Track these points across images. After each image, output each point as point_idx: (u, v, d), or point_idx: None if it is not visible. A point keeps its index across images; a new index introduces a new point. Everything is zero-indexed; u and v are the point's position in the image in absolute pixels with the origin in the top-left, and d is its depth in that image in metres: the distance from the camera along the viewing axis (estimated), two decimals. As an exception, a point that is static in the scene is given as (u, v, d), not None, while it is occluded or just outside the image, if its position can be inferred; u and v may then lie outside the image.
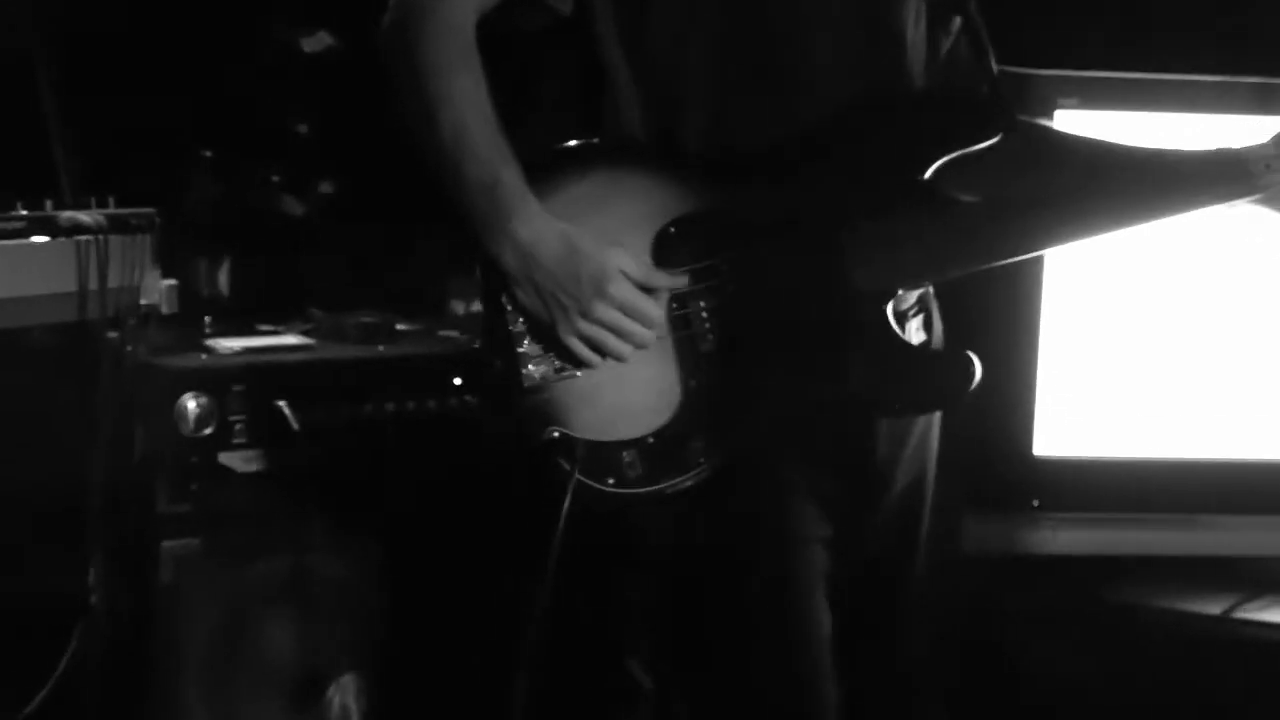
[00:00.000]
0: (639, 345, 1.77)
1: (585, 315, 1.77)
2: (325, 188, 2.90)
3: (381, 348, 2.52)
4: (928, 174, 1.86)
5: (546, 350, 1.79)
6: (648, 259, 1.80)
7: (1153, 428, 2.61)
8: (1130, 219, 1.92)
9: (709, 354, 1.80)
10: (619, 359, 1.78)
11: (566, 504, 1.75)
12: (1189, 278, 2.56)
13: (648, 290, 1.79)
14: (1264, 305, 2.57)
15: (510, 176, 1.78)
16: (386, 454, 2.41)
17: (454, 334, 2.63)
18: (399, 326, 2.60)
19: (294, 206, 2.86)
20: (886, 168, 1.86)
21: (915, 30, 1.98)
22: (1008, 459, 2.56)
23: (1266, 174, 1.87)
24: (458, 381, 2.45)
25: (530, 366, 1.79)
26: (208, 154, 2.77)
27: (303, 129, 2.89)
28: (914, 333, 1.93)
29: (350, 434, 2.39)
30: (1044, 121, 2.37)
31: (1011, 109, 1.97)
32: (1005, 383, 2.51)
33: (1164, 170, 1.96)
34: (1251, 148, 1.88)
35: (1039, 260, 2.48)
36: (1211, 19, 2.65)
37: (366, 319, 2.57)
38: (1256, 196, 1.89)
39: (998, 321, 2.50)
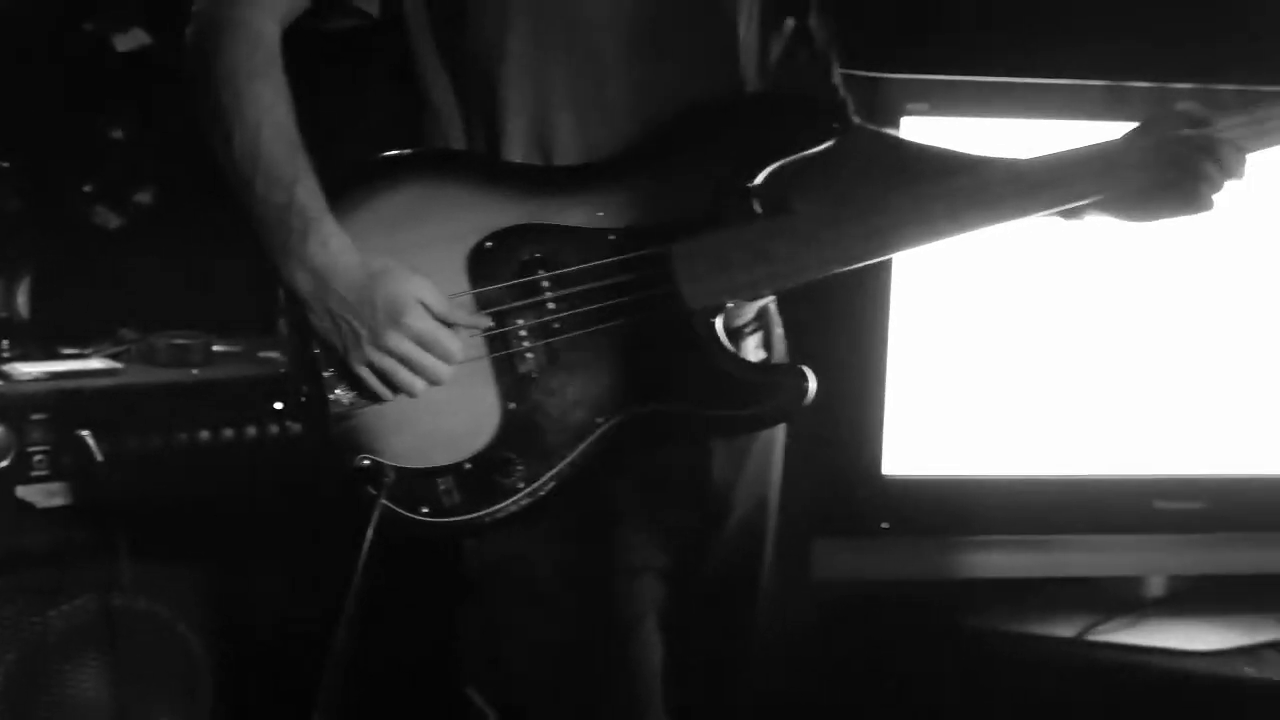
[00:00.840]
0: (432, 381, 1.75)
1: (377, 345, 1.74)
2: (143, 198, 2.80)
3: (196, 371, 2.44)
4: (757, 181, 1.85)
5: (344, 377, 1.77)
6: (462, 273, 1.78)
7: (1004, 446, 2.63)
8: (972, 224, 1.90)
9: (528, 375, 1.77)
10: (410, 393, 1.75)
11: (369, 535, 1.72)
12: (1036, 294, 2.59)
13: (448, 324, 1.76)
14: (1108, 323, 2.60)
15: (305, 195, 1.75)
16: (200, 484, 2.35)
17: (276, 355, 2.51)
18: (216, 348, 2.52)
19: (108, 219, 2.76)
20: (712, 176, 1.85)
21: (747, 32, 1.98)
22: (856, 480, 2.56)
23: (1122, 169, 1.89)
24: (277, 406, 2.38)
25: (337, 392, 1.76)
26: (5, 164, 2.66)
27: (118, 134, 2.79)
28: (751, 350, 1.94)
29: (160, 464, 2.32)
30: (890, 129, 2.36)
31: (845, 112, 1.97)
32: (853, 401, 2.52)
33: (1010, 173, 1.95)
34: (1107, 144, 1.91)
35: (886, 277, 2.52)
36: (1059, 22, 2.67)
37: (180, 340, 2.48)
38: (1117, 193, 1.90)
39: (845, 340, 2.52)
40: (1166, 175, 1.89)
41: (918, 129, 2.46)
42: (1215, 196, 1.91)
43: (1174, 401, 2.63)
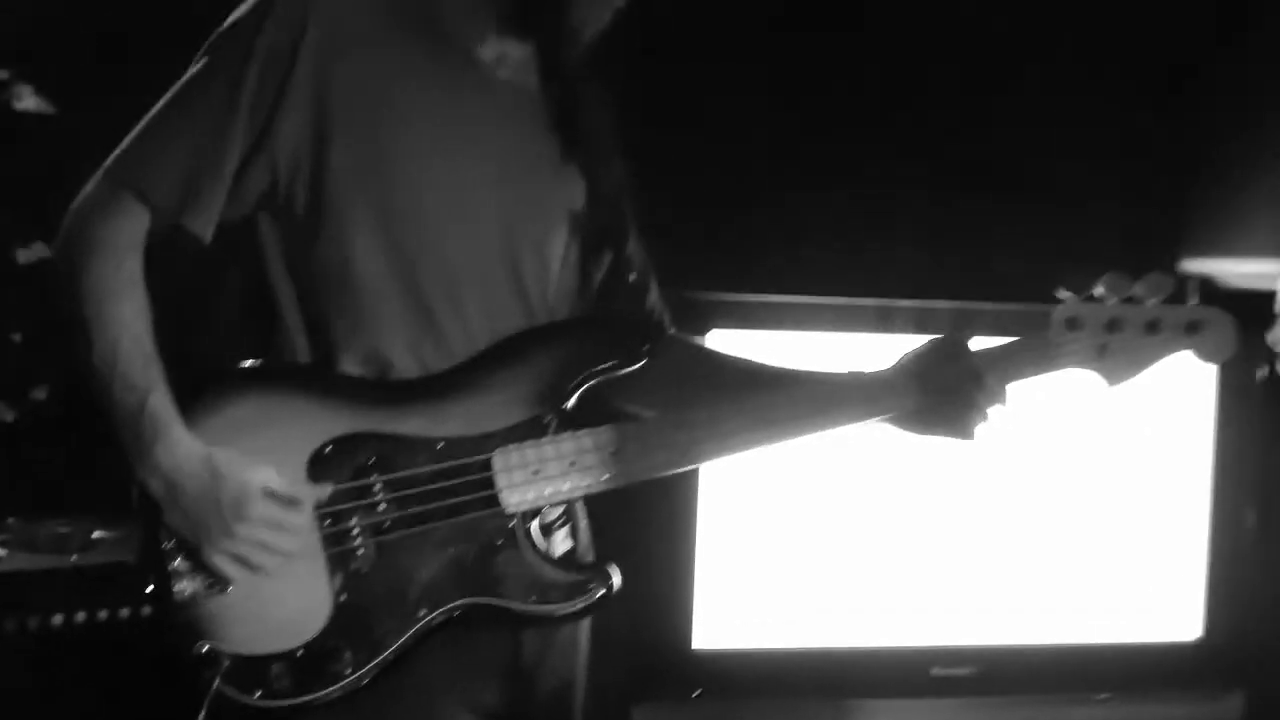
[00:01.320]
0: (283, 555, 1.83)
1: (227, 536, 1.82)
2: (38, 394, 2.91)
3: (74, 557, 2.52)
4: (572, 400, 1.97)
5: (195, 568, 1.83)
6: (303, 475, 1.86)
7: (801, 620, 2.78)
8: (778, 435, 2.02)
9: (359, 570, 1.87)
10: (262, 573, 1.83)
11: (202, 717, 1.79)
12: (826, 487, 2.76)
13: (292, 504, 1.85)
14: (890, 511, 2.79)
15: (157, 403, 1.84)
16: (72, 667, 2.41)
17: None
18: (96, 534, 2.60)
19: (4, 413, 2.88)
20: (530, 393, 1.96)
21: (564, 267, 2.11)
22: (670, 653, 2.69)
23: (892, 397, 2.04)
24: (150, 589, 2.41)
25: (183, 582, 1.83)
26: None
27: (16, 337, 2.92)
28: (559, 542, 2.02)
29: (36, 647, 2.38)
30: (699, 340, 2.46)
31: (654, 332, 2.13)
32: (665, 582, 2.66)
33: (810, 389, 2.08)
34: (879, 373, 2.06)
35: (695, 473, 2.59)
36: (841, 246, 2.90)
37: (61, 528, 2.57)
38: (885, 416, 2.05)
39: (656, 524, 2.65)
40: (935, 402, 2.03)
41: (725, 340, 2.63)
42: (981, 423, 2.04)
43: (949, 578, 2.82)
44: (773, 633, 2.76)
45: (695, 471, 2.59)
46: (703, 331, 2.66)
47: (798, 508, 2.77)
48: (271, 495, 1.84)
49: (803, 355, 2.20)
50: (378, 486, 1.90)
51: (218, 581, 1.84)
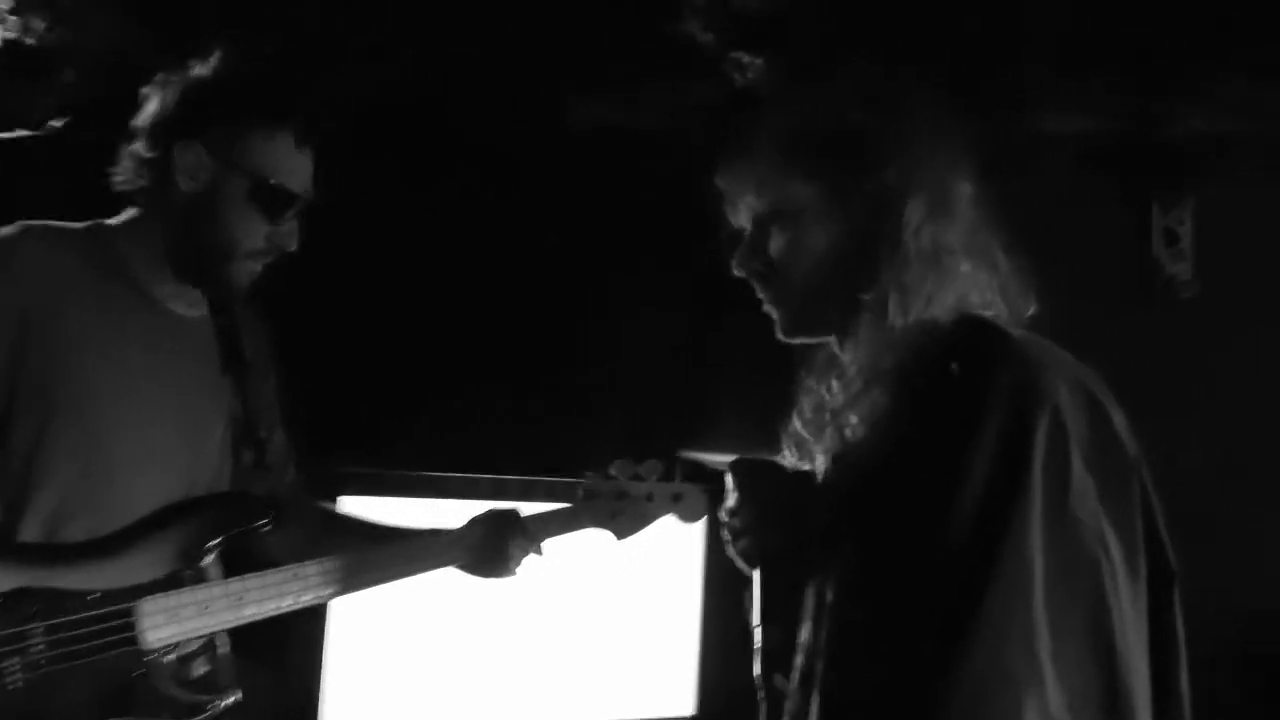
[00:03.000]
0: None
1: None
2: None
3: None
4: (207, 558, 2.24)
5: None
6: None
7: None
8: (381, 579, 2.35)
9: (13, 703, 2.05)
10: None
11: None
12: (429, 608, 3.05)
13: None
14: (484, 625, 3.09)
15: None
16: None
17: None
18: None
19: None
20: (174, 553, 2.21)
21: (221, 455, 2.39)
22: None
23: (459, 550, 2.43)
24: None
25: None
26: None
27: None
28: (198, 668, 2.26)
29: None
30: (329, 503, 2.80)
31: (281, 502, 2.38)
32: (298, 693, 2.90)
33: (408, 543, 2.45)
34: (454, 530, 2.43)
35: (324, 611, 2.94)
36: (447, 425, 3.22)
37: None
38: (456, 564, 2.44)
39: (290, 648, 2.90)
40: (488, 554, 2.44)
41: (352, 504, 2.91)
42: (520, 566, 2.46)
43: (517, 676, 3.12)
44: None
45: (324, 607, 2.91)
46: (334, 499, 2.92)
47: (410, 635, 3.08)
48: None
49: (413, 516, 2.55)
50: (37, 631, 2.09)
51: None
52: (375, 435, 3.22)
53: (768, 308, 1.82)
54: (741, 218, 1.83)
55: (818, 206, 1.75)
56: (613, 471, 2.57)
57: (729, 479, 1.83)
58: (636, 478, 2.58)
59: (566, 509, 2.56)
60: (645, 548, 2.70)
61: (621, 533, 2.58)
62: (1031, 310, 1.78)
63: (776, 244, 1.78)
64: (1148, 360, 3.26)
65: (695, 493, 2.58)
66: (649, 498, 2.56)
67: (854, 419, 1.69)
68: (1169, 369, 3.51)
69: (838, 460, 1.73)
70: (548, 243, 3.49)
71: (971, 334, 1.68)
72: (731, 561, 1.87)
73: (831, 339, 1.84)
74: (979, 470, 1.51)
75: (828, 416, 1.75)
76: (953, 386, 1.59)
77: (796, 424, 1.83)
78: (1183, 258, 3.72)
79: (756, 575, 1.81)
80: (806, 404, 1.84)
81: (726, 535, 1.83)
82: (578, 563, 3.09)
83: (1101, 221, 3.68)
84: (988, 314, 1.72)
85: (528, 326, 3.45)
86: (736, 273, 1.81)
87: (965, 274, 1.73)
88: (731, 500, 1.82)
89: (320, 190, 2.38)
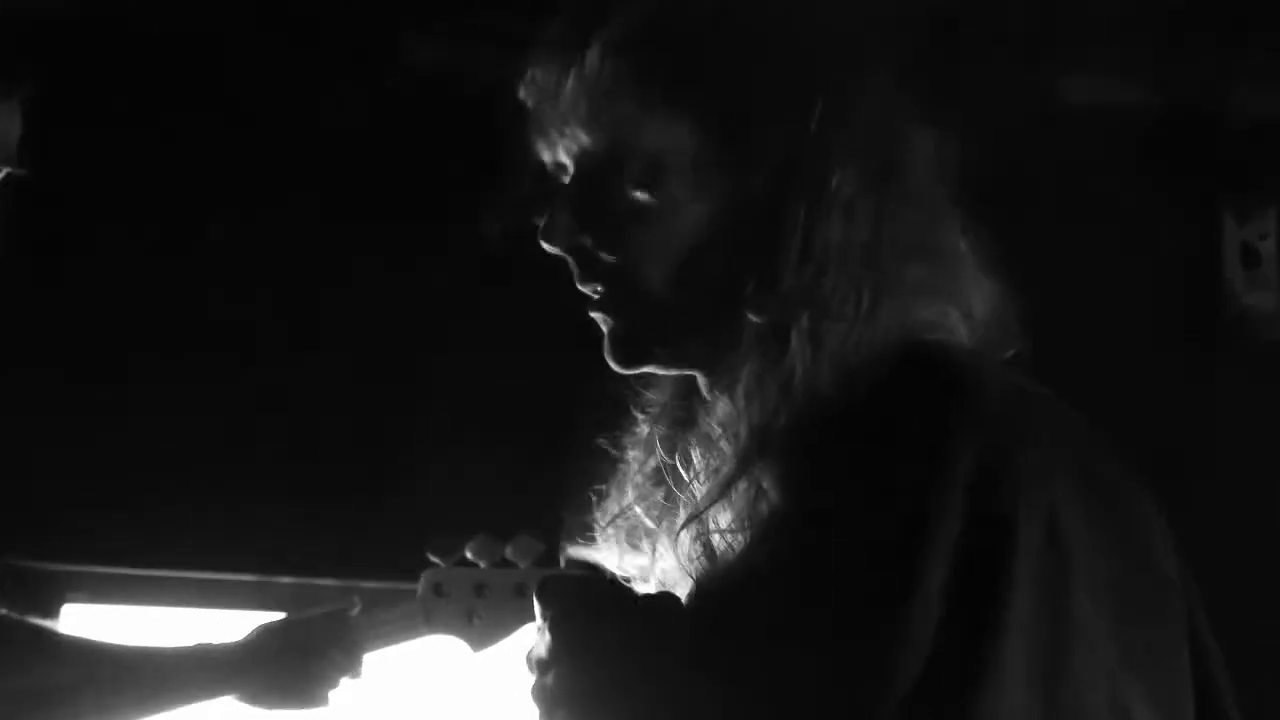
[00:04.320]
0: None
1: None
2: None
3: None
4: None
5: None
6: None
7: None
8: (124, 713, 2.05)
9: None
10: None
11: None
12: None
13: None
14: None
15: None
16: None
17: None
18: None
19: None
20: None
21: None
22: None
23: (240, 675, 2.08)
24: None
25: None
26: None
27: None
28: None
29: None
30: (53, 616, 2.53)
31: None
32: None
33: (152, 668, 2.10)
34: (223, 645, 2.10)
35: None
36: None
37: None
38: (246, 690, 2.08)
39: None
40: (287, 676, 2.08)
41: (78, 615, 2.57)
42: (332, 692, 2.11)
43: None
44: None
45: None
46: (56, 608, 2.58)
47: None
48: None
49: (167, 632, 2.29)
50: None
51: None
52: (109, 527, 2.75)
53: (595, 314, 1.44)
54: (560, 158, 1.43)
55: (691, 162, 1.36)
56: (469, 554, 2.23)
57: (536, 608, 1.42)
58: (503, 563, 2.23)
59: (405, 609, 2.21)
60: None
61: (478, 644, 2.24)
62: (1014, 346, 1.42)
63: (621, 216, 1.39)
64: (1213, 424, 3.04)
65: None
66: (519, 591, 2.22)
67: (725, 521, 1.35)
68: (1243, 436, 3.11)
69: (703, 593, 1.36)
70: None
71: (920, 376, 1.30)
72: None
73: (695, 375, 1.45)
74: (921, 614, 1.16)
75: (681, 509, 1.40)
76: (885, 463, 1.25)
77: (631, 504, 1.48)
78: (1266, 285, 3.37)
79: None
80: (642, 478, 1.48)
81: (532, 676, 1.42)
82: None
83: (1151, 232, 3.23)
84: (948, 341, 1.38)
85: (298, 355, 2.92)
86: (547, 248, 1.42)
87: (916, 281, 1.36)
88: (542, 646, 1.39)
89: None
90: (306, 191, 2.91)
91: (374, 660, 2.19)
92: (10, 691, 2.09)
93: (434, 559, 2.24)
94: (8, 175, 2.05)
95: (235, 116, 2.89)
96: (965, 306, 1.39)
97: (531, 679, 1.43)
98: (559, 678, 1.39)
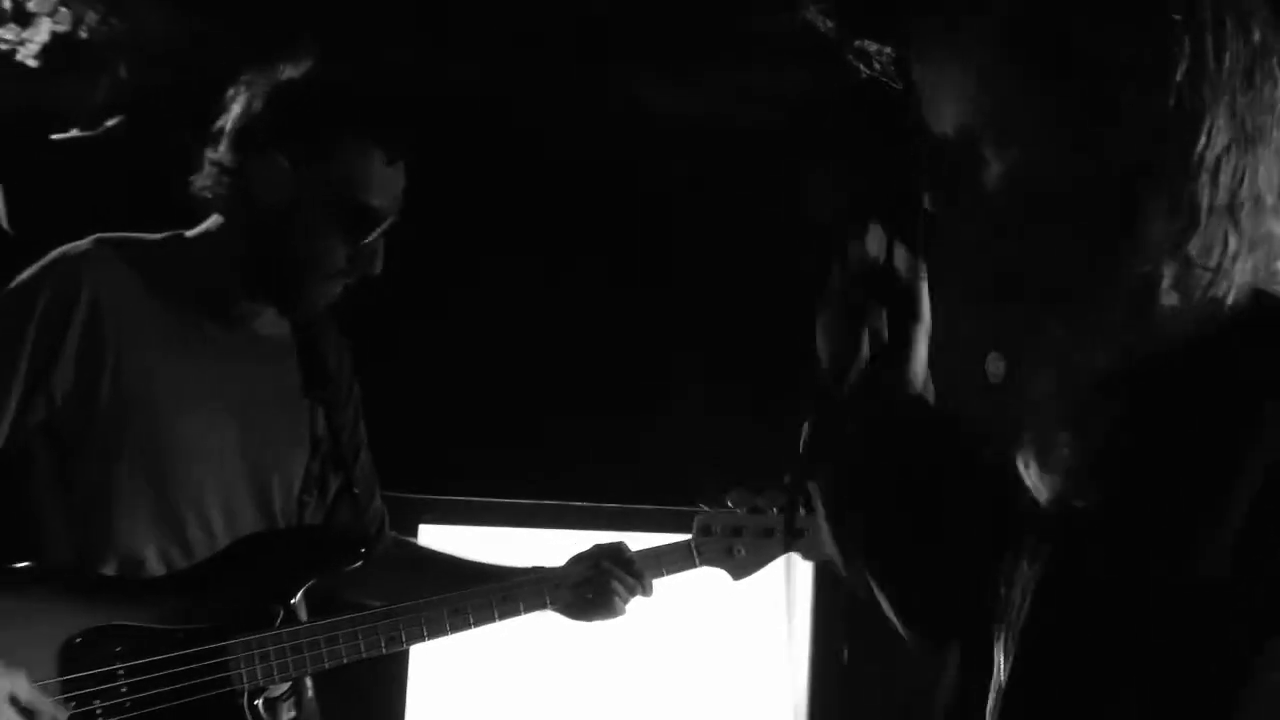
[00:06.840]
0: None
1: None
2: None
3: None
4: (296, 596, 2.22)
5: None
6: (54, 671, 2.03)
7: None
8: (471, 622, 2.30)
9: None
10: None
11: None
12: (520, 654, 2.97)
13: (35, 712, 1.97)
14: (580, 675, 3.01)
15: None
16: None
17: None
18: None
19: None
20: (261, 590, 2.21)
21: (304, 483, 2.37)
22: None
23: (555, 591, 2.37)
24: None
25: None
26: None
27: None
28: (285, 713, 2.25)
29: None
30: (413, 540, 2.71)
31: (370, 538, 2.37)
32: None
33: (495, 584, 2.36)
34: (554, 569, 2.38)
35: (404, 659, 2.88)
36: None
37: None
38: (562, 605, 2.37)
39: (373, 695, 2.84)
40: (589, 595, 2.37)
41: (433, 535, 2.85)
42: (626, 609, 2.38)
43: None
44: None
45: (406, 652, 2.75)
46: (413, 527, 2.84)
47: (499, 683, 3.01)
48: (15, 701, 1.97)
49: (503, 548, 2.49)
50: (121, 672, 2.08)
51: None
52: (456, 460, 3.12)
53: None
54: (945, 129, 1.32)
55: (1056, 121, 1.23)
56: (729, 502, 2.46)
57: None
58: (755, 510, 2.46)
59: (680, 545, 2.45)
60: (752, 585, 2.59)
61: (738, 573, 2.48)
62: None
63: (992, 172, 1.27)
64: None
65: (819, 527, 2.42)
66: (768, 533, 2.45)
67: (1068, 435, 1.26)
68: None
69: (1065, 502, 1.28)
70: (634, 250, 3.34)
71: (1276, 324, 1.24)
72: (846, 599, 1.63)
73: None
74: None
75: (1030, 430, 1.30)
76: (1240, 400, 1.17)
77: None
78: None
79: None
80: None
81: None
82: (676, 598, 2.88)
83: None
84: None
85: (621, 341, 3.29)
86: (927, 202, 1.33)
87: (1275, 236, 1.25)
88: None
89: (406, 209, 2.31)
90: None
91: (659, 585, 2.45)
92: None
93: (703, 506, 2.48)
94: (391, 223, 2.30)
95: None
96: None
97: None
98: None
